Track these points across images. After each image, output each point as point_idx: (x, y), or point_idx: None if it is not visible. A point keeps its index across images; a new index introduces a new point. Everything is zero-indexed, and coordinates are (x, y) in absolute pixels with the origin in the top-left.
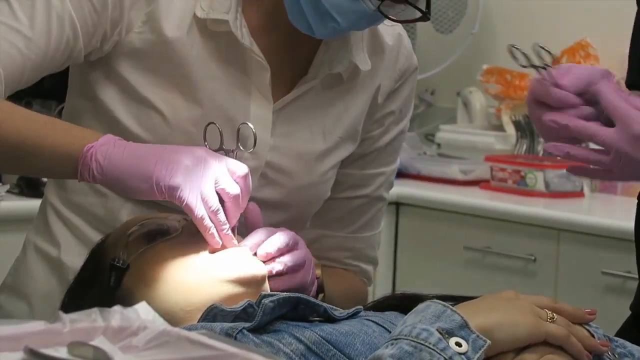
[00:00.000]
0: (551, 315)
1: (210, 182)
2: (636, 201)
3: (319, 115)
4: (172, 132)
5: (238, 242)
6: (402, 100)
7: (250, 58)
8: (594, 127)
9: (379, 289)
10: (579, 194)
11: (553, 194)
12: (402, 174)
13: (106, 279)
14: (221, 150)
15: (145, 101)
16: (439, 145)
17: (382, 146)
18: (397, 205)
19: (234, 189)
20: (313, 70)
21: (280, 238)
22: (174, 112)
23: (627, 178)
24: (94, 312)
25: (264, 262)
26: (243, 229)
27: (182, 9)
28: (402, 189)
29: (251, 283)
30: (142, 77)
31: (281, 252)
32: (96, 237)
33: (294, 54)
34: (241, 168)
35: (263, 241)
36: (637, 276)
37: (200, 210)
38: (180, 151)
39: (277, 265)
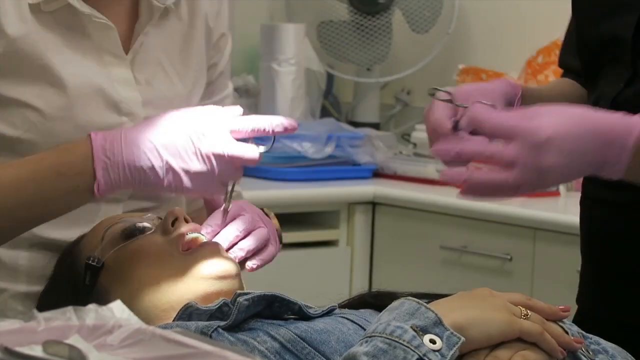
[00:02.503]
0: (525, 312)
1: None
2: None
3: (165, 54)
4: (52, 123)
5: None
6: (226, 20)
7: (94, 23)
8: (493, 146)
9: (356, 288)
10: (555, 193)
11: (529, 193)
12: (378, 174)
13: (81, 278)
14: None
15: (14, 103)
16: (414, 144)
17: (222, 70)
18: (374, 204)
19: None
20: (144, 12)
21: (235, 226)
22: (46, 104)
23: (533, 189)
24: (69, 310)
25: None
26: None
27: (15, 1)
28: (378, 189)
29: (225, 279)
30: (3, 81)
31: (240, 238)
32: (35, 258)
33: (123, 4)
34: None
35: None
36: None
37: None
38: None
39: (239, 252)
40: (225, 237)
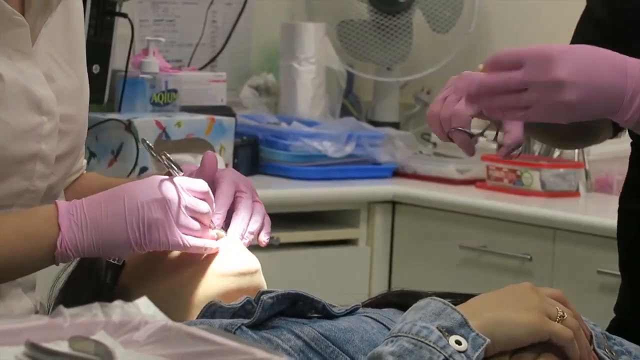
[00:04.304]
0: (561, 314)
1: (182, 215)
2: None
3: (56, 48)
4: None
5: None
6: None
7: (9, 20)
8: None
9: (375, 287)
10: (575, 193)
11: (549, 193)
12: (398, 173)
13: (102, 276)
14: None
15: None
16: (435, 144)
17: None
18: (394, 204)
19: (204, 208)
20: (36, 2)
21: (241, 216)
22: None
23: (548, 110)
24: (95, 306)
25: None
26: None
27: None
28: (398, 188)
29: (245, 276)
30: None
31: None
32: None
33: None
34: (200, 185)
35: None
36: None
37: (188, 242)
38: (140, 203)
39: (250, 237)
40: (238, 232)
